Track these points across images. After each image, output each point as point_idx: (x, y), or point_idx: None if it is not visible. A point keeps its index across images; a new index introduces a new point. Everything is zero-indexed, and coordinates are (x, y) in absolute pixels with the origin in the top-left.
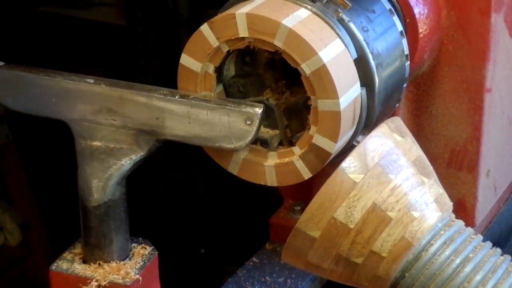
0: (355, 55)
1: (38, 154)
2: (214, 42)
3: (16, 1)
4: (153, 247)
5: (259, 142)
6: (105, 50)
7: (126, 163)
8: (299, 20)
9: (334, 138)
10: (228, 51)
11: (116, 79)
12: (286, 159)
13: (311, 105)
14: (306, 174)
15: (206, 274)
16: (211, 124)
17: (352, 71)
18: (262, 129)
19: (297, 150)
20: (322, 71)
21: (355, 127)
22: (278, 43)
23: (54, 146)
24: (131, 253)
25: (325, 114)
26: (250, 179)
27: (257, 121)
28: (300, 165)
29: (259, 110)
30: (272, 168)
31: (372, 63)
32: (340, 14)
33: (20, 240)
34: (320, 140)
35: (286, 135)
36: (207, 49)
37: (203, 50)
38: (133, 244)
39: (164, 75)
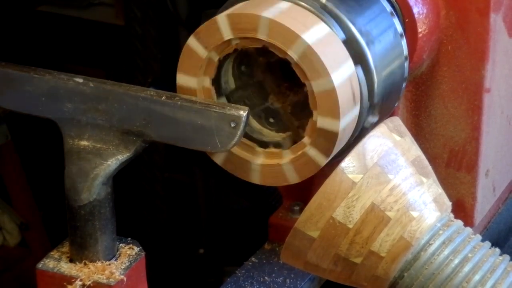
0: (342, 37)
1: (37, 154)
2: (203, 53)
3: (14, 1)
4: (140, 247)
5: (272, 145)
6: (104, 50)
7: (112, 163)
8: (280, 10)
9: (336, 115)
10: (220, 60)
11: (115, 80)
12: (299, 152)
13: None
14: (321, 160)
15: (205, 274)
16: (196, 126)
17: (341, 49)
18: (274, 134)
19: (306, 140)
20: (309, 53)
21: (358, 105)
22: (262, 36)
23: (54, 146)
24: (118, 253)
25: (322, 95)
26: (274, 184)
27: (242, 124)
28: (313, 153)
29: (243, 113)
30: (289, 164)
31: (361, 40)
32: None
33: (19, 240)
34: (324, 122)
35: (300, 134)
36: (198, 62)
37: (195, 64)
38: (120, 244)
39: (163, 75)
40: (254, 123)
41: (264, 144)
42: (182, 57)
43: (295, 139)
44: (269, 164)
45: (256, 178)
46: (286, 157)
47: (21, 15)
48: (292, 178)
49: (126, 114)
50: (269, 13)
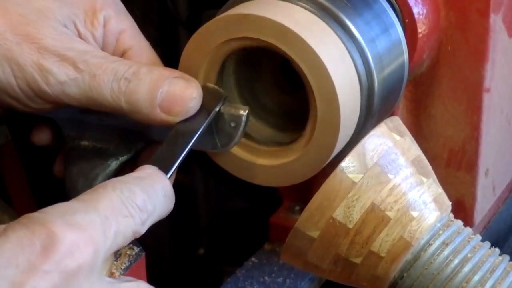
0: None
1: (38, 154)
2: (204, 52)
3: None
4: (140, 247)
5: (273, 145)
6: None
7: (113, 163)
8: (284, 10)
9: (337, 118)
10: (221, 60)
11: None
12: (300, 153)
13: None
14: (322, 161)
15: (205, 274)
16: None
17: (351, 68)
18: (274, 134)
19: (307, 140)
20: (323, 74)
21: (358, 106)
22: (270, 39)
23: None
24: (118, 253)
25: (324, 105)
26: (274, 184)
27: (242, 123)
28: (313, 154)
29: (244, 113)
30: (290, 165)
31: (361, 40)
32: None
33: None
34: (324, 124)
35: (301, 134)
36: (199, 61)
37: (196, 64)
38: None
39: None
40: (255, 123)
41: (264, 144)
42: (183, 57)
43: (296, 140)
44: (270, 164)
45: (256, 179)
46: (287, 157)
47: None
48: (293, 179)
49: None
50: (277, 16)
